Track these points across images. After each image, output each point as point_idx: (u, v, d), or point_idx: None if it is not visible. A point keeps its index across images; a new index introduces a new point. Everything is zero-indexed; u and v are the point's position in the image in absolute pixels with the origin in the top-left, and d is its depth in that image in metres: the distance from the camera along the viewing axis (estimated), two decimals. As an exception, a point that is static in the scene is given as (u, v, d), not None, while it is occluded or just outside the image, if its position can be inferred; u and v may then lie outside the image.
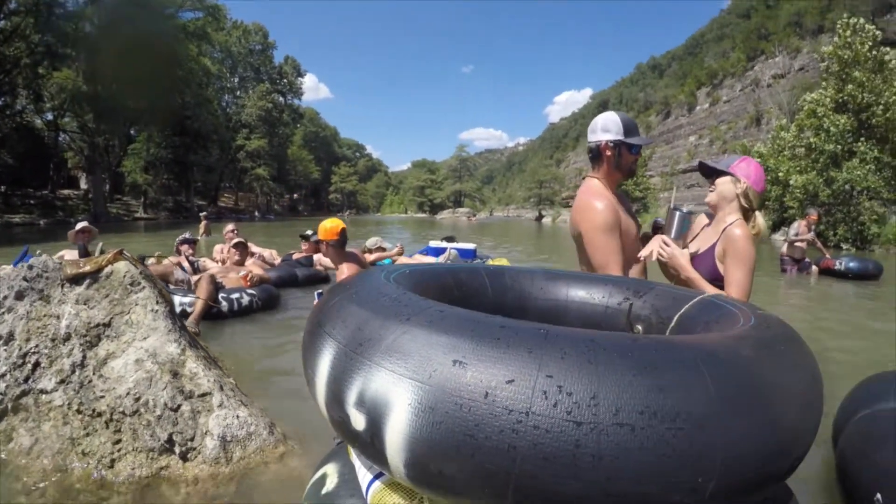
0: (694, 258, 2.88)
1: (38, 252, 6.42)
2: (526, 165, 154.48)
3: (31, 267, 3.38)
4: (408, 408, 1.24)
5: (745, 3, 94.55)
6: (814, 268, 12.65)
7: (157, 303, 3.29)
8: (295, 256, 9.35)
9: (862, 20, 30.69)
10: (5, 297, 3.32)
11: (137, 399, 2.87)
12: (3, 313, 3.28)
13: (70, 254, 6.97)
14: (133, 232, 29.38)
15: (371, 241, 9.14)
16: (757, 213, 2.88)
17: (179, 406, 2.88)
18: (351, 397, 1.36)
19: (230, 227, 9.84)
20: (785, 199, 33.26)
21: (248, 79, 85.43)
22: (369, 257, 8.68)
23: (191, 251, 7.92)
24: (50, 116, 53.10)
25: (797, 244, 12.73)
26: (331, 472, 1.91)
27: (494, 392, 1.16)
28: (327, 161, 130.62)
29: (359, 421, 1.35)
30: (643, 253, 2.90)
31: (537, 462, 1.11)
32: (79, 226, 7.54)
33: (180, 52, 54.12)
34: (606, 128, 2.93)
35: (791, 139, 34.22)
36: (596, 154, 2.97)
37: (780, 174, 33.64)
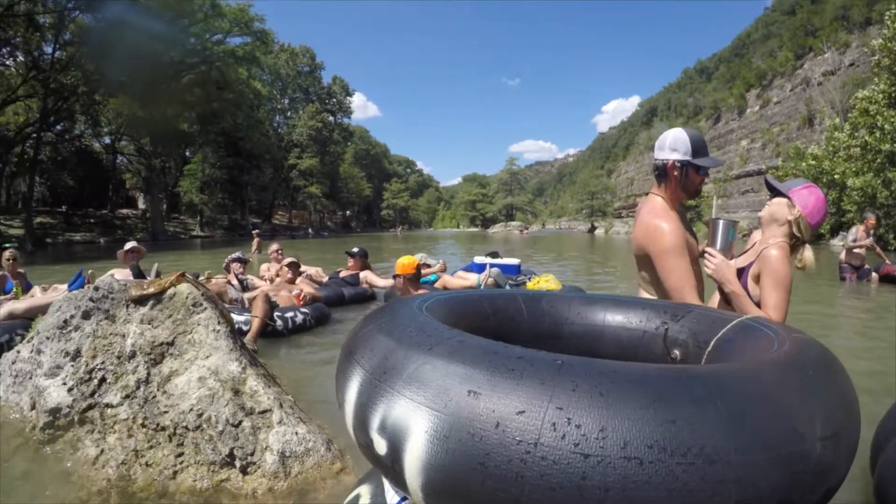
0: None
1: (89, 272, 6.62)
2: (576, 176, 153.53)
3: (97, 288, 3.56)
4: (424, 435, 1.28)
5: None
6: (874, 275, 12.25)
7: (219, 323, 3.43)
8: (342, 274, 9.40)
9: None
10: (72, 317, 3.51)
11: (200, 415, 2.99)
12: (71, 331, 3.47)
13: (120, 272, 7.10)
14: (190, 250, 29.96)
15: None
16: (807, 245, 2.83)
17: (240, 422, 2.99)
18: (375, 423, 1.41)
19: (275, 246, 10.01)
20: (842, 202, 32.24)
21: (298, 99, 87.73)
22: None
23: (241, 269, 8.02)
24: (108, 140, 54.92)
25: (855, 250, 12.39)
26: (364, 492, 2.00)
27: (505, 422, 1.18)
28: (379, 178, 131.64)
29: (381, 446, 1.39)
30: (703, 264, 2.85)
31: (544, 492, 1.13)
32: (127, 245, 7.66)
33: (230, 77, 55.97)
34: (674, 146, 2.83)
35: (845, 139, 33.16)
36: (662, 172, 2.87)
37: (836, 176, 32.73)
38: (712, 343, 2.08)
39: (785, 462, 1.21)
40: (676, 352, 2.27)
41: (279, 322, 6.44)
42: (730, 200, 69.03)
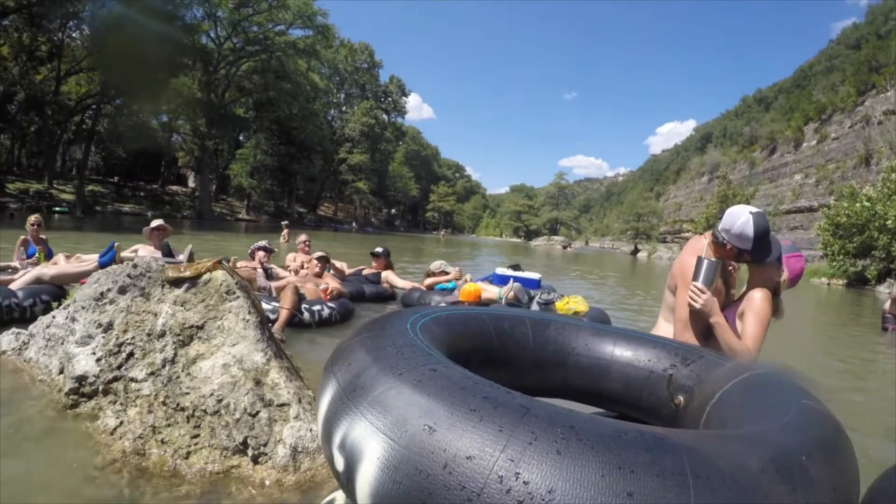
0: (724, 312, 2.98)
1: (116, 244, 6.69)
2: (624, 197, 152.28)
3: (135, 265, 3.66)
4: (377, 462, 1.26)
5: (855, 33, 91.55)
6: None
7: (249, 312, 3.50)
8: (365, 272, 9.49)
9: None
10: (109, 290, 3.64)
11: (220, 401, 3.06)
12: (106, 304, 3.59)
13: (144, 248, 7.20)
14: (234, 232, 30.27)
15: (436, 265, 9.18)
16: (781, 297, 3.07)
17: (258, 412, 3.05)
18: (336, 439, 1.41)
19: (303, 237, 10.08)
20: (893, 247, 31.60)
21: (354, 95, 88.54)
22: (428, 280, 8.82)
23: (266, 258, 8.03)
24: (164, 118, 55.93)
25: None
26: (339, 499, 2.07)
27: (453, 465, 1.14)
28: (427, 179, 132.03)
29: (339, 462, 1.40)
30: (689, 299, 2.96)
31: None
32: (154, 223, 7.56)
33: (289, 67, 57.42)
34: (742, 237, 2.89)
35: None
36: (721, 243, 2.96)
37: (889, 221, 32.00)
38: (717, 395, 2.01)
39: None
40: (681, 398, 2.22)
41: (306, 315, 6.50)
42: (777, 235, 67.27)
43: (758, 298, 2.93)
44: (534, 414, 1.21)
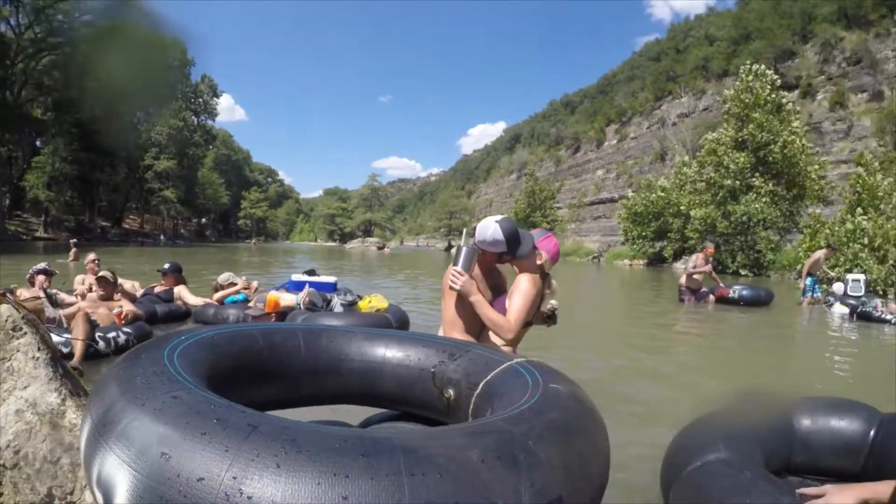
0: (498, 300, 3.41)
1: None
2: (437, 196, 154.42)
3: None
4: (126, 494, 1.27)
5: (657, 47, 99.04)
6: (710, 296, 13.34)
7: (39, 349, 3.23)
8: (156, 290, 8.96)
9: (763, 66, 34.03)
10: None
11: (17, 452, 2.81)
12: None
13: None
14: (31, 254, 27.90)
15: (223, 277, 8.93)
16: (551, 276, 3.59)
17: (59, 459, 2.81)
18: (94, 476, 1.40)
19: (91, 256, 9.24)
20: (686, 230, 36.29)
21: (162, 95, 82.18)
22: (217, 294, 8.55)
23: (47, 283, 7.18)
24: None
25: (694, 276, 13.37)
26: None
27: (187, 489, 1.18)
28: (238, 185, 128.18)
29: (99, 500, 1.38)
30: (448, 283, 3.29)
31: None
32: None
33: (95, 63, 51.31)
34: (495, 243, 3.31)
35: (692, 174, 37.20)
36: (483, 252, 3.39)
37: (682, 207, 36.87)
38: (480, 385, 2.19)
39: None
40: (451, 391, 2.36)
41: (101, 343, 6.06)
42: (583, 224, 72.80)
43: (522, 280, 3.32)
44: (260, 431, 1.27)
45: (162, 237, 71.67)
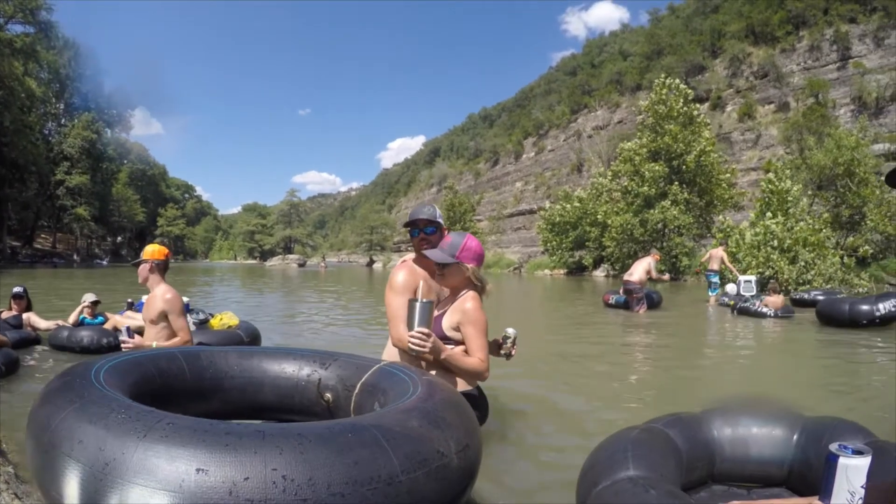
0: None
1: None
2: (358, 210, 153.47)
3: None
4: (76, 483, 1.57)
5: (573, 62, 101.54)
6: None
7: None
8: (3, 316, 8.39)
9: (676, 80, 36.08)
10: None
11: None
12: None
13: None
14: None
15: (85, 298, 8.56)
16: (487, 283, 3.40)
17: None
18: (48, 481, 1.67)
19: None
20: (603, 238, 37.83)
21: (75, 106, 75.66)
22: (72, 318, 8.20)
23: None
24: None
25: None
26: None
27: (236, 489, 1.51)
28: (154, 202, 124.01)
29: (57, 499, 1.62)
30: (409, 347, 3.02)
31: None
32: None
33: (3, 70, 47.85)
34: (432, 218, 3.59)
35: (608, 184, 39.49)
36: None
37: (599, 216, 38.67)
38: (358, 386, 2.70)
39: (437, 473, 1.82)
40: (329, 395, 2.82)
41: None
42: (503, 236, 73.85)
43: (472, 309, 3.22)
44: (270, 433, 1.69)
45: (76, 257, 68.26)
